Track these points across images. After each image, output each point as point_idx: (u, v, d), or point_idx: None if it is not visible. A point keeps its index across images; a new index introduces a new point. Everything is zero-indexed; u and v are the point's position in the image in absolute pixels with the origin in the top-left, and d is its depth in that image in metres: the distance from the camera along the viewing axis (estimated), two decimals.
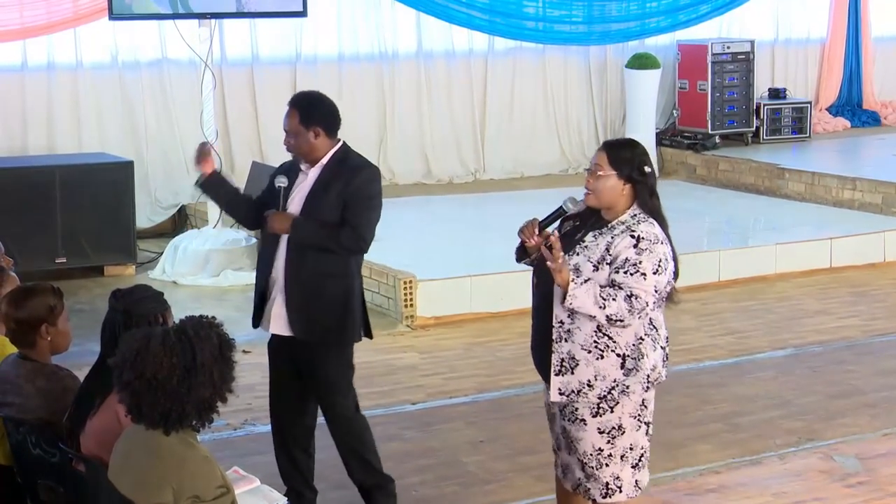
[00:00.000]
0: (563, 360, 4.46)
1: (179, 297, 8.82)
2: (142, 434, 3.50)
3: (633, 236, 4.39)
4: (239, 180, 11.25)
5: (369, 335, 5.36)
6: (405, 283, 8.48)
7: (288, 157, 5.36)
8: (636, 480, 4.59)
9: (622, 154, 4.49)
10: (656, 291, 4.38)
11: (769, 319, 8.77)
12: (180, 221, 11.33)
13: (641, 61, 12.98)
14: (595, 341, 4.42)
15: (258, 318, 5.34)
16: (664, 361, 4.55)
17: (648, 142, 13.09)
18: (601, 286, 4.37)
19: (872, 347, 8.11)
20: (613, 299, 4.33)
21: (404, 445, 6.31)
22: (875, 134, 14.41)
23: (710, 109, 13.33)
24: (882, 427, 6.62)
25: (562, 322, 4.45)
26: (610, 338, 4.42)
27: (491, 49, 12.95)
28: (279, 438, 5.41)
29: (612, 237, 4.43)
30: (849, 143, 14.00)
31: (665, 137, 13.58)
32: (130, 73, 11.23)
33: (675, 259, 4.50)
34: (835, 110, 14.92)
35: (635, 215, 4.47)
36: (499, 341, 8.10)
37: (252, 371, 7.27)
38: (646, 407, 4.55)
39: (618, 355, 4.43)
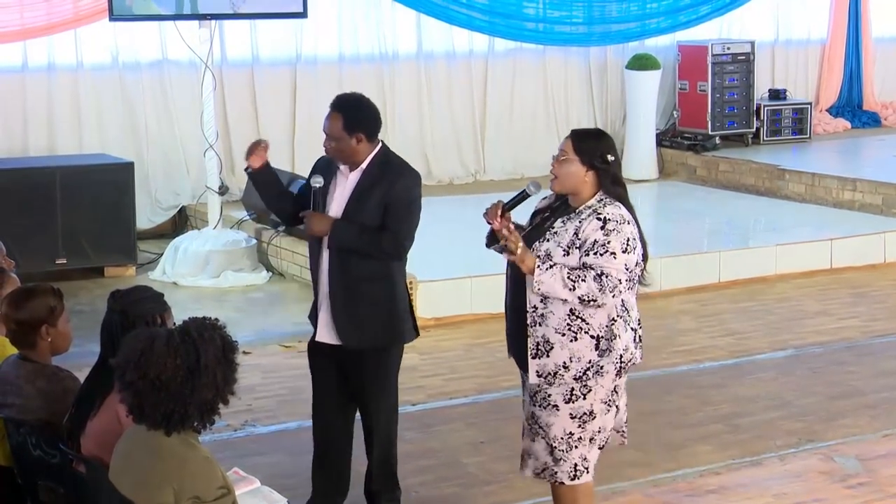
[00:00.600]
0: (538, 343, 4.58)
1: (180, 298, 8.83)
2: (143, 434, 3.50)
3: (599, 218, 4.50)
4: (239, 182, 11.30)
5: (417, 333, 5.31)
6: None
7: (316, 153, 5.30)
8: (598, 461, 4.70)
9: (587, 142, 4.63)
10: (627, 269, 4.48)
11: (769, 320, 8.77)
12: (180, 222, 11.33)
13: (642, 62, 12.98)
14: (568, 324, 4.53)
15: (315, 318, 5.23)
16: (637, 343, 4.64)
17: (649, 143, 13.11)
18: (570, 268, 4.46)
19: (873, 348, 8.12)
20: (583, 280, 4.43)
21: (404, 446, 6.30)
22: (875, 135, 14.40)
23: (710, 110, 13.33)
24: (882, 428, 6.62)
25: (535, 307, 4.57)
26: (583, 320, 4.52)
27: (491, 50, 12.95)
28: (320, 450, 5.31)
29: (580, 221, 4.54)
30: (849, 143, 14.00)
31: (665, 138, 13.58)
32: (131, 74, 11.23)
33: (643, 242, 4.61)
34: (835, 111, 14.92)
35: (602, 199, 4.59)
36: (499, 342, 8.04)
37: (252, 372, 7.28)
38: (617, 392, 4.65)
39: (591, 337, 4.53)
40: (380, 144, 5.16)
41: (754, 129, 13.68)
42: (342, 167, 5.15)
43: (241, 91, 11.71)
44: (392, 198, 5.04)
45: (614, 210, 4.54)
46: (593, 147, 4.61)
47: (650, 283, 4.73)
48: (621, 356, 4.55)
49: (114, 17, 9.69)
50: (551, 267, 4.47)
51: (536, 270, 4.47)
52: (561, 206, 4.69)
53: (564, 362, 4.55)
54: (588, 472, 4.66)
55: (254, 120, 11.80)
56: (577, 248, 4.50)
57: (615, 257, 4.45)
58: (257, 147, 5.39)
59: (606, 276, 4.43)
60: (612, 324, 4.53)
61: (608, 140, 4.70)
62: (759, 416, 6.81)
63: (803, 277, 9.81)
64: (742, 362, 7.84)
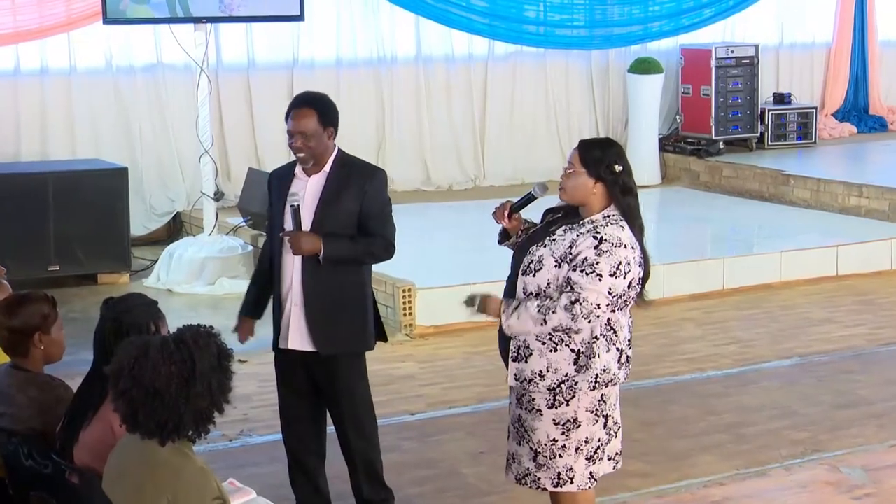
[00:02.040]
0: (519, 347, 4.61)
1: (174, 306, 8.83)
2: (137, 444, 3.50)
3: (595, 237, 4.50)
4: (235, 186, 11.31)
5: (384, 338, 5.35)
6: (404, 291, 8.48)
7: (278, 162, 5.32)
8: (590, 472, 4.68)
9: (593, 153, 4.63)
10: (612, 294, 4.45)
11: (774, 328, 8.77)
12: (175, 229, 11.33)
13: (644, 66, 13.00)
14: (550, 334, 4.54)
15: (274, 335, 5.24)
16: (623, 364, 4.63)
17: (651, 148, 13.12)
18: (540, 300, 4.47)
19: (879, 357, 8.11)
20: (553, 312, 4.45)
21: (403, 456, 6.31)
22: (882, 140, 14.41)
23: (713, 115, 13.34)
24: (889, 438, 6.61)
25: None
26: (566, 332, 4.53)
27: (491, 53, 12.96)
28: (294, 464, 5.32)
29: (577, 235, 4.54)
30: (855, 148, 14.00)
31: (668, 143, 13.59)
32: (125, 78, 11.24)
33: (646, 262, 4.61)
34: (841, 115, 14.93)
35: (608, 216, 4.57)
36: (497, 350, 8.09)
37: (248, 381, 7.28)
38: (604, 401, 4.64)
39: (572, 350, 4.54)
40: (336, 146, 5.17)
41: (758, 134, 13.69)
42: (298, 173, 5.11)
43: (236, 95, 11.73)
44: (370, 201, 5.06)
45: (614, 231, 4.52)
46: (599, 158, 4.60)
47: (650, 300, 4.73)
48: (597, 376, 4.54)
49: (107, 20, 9.69)
50: (517, 308, 4.50)
51: (502, 316, 4.52)
52: (572, 211, 4.68)
53: (541, 371, 4.57)
54: (572, 482, 4.65)
55: (250, 125, 11.81)
56: (567, 262, 4.49)
57: (600, 280, 4.44)
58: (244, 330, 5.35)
59: (580, 304, 4.42)
60: (595, 342, 4.53)
61: (616, 149, 4.68)
62: (764, 425, 6.81)
63: (809, 284, 9.81)
64: (747, 371, 7.84)
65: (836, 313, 9.13)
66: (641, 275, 4.59)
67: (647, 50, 13.49)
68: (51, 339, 4.47)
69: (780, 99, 14.03)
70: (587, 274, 4.44)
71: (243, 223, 10.44)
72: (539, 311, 4.46)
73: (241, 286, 9.55)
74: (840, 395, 7.33)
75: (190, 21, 9.82)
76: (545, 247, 4.59)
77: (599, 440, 4.67)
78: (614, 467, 4.80)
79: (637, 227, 4.62)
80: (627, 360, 4.66)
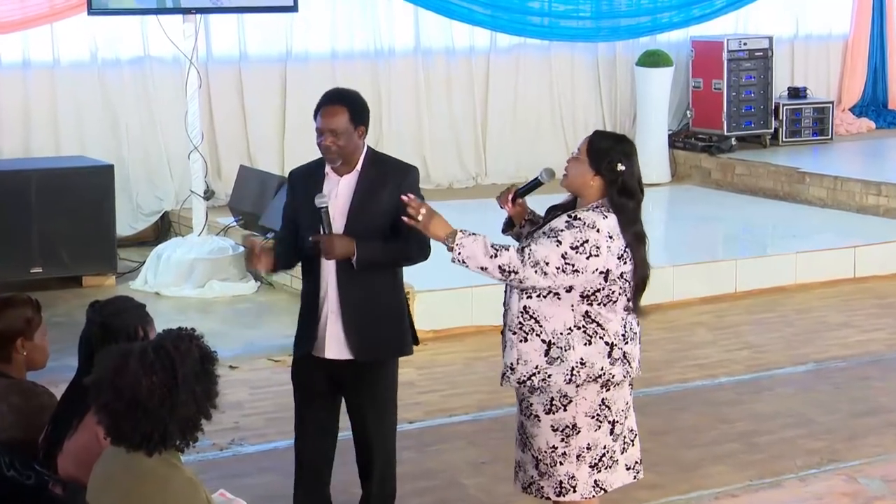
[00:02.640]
0: (504, 341, 4.68)
1: (163, 309, 8.83)
2: (122, 455, 3.49)
3: (570, 216, 4.55)
4: (225, 184, 11.31)
5: (416, 342, 5.31)
6: None
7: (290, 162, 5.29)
8: (595, 481, 4.69)
9: (601, 144, 4.66)
10: (566, 261, 4.45)
11: (789, 333, 8.77)
12: (163, 229, 11.34)
13: (653, 59, 13.01)
14: (520, 323, 4.59)
15: (304, 343, 5.16)
16: (619, 360, 4.60)
17: (660, 144, 13.12)
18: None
19: None
20: (506, 250, 4.50)
21: (401, 467, 6.28)
22: None
23: (725, 110, 13.34)
24: None
25: (505, 301, 4.67)
26: (536, 321, 4.56)
27: (493, 46, 12.97)
28: (307, 472, 5.28)
29: (558, 220, 4.59)
30: (873, 145, 14.01)
31: (678, 139, 13.60)
32: (111, 72, 11.24)
33: (638, 267, 4.59)
34: (858, 110, 14.94)
35: (598, 206, 4.59)
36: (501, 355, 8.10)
37: (240, 388, 7.28)
38: (607, 406, 4.65)
39: (543, 341, 4.57)
40: (366, 144, 5.14)
41: (772, 130, 13.70)
42: (329, 172, 5.08)
43: (227, 89, 11.73)
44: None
45: (593, 216, 4.54)
46: (605, 151, 4.62)
47: (645, 314, 4.71)
48: (573, 369, 4.55)
49: (92, 11, 9.69)
50: (474, 234, 4.54)
51: (459, 234, 4.54)
52: (572, 205, 4.72)
53: (512, 363, 4.62)
54: (575, 491, 4.66)
55: (241, 120, 11.81)
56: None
57: (558, 245, 4.47)
58: (254, 252, 5.25)
59: (531, 251, 4.47)
60: (569, 333, 4.55)
61: (625, 147, 4.68)
62: (779, 434, 6.81)
63: (825, 287, 9.82)
64: (760, 377, 7.84)
65: (854, 317, 9.13)
66: (625, 274, 4.57)
67: (656, 42, 13.50)
68: (34, 344, 4.47)
69: (795, 93, 14.04)
70: (547, 237, 4.51)
71: (234, 223, 10.44)
72: (493, 245, 4.51)
73: (232, 289, 9.64)
74: (858, 402, 7.33)
75: (179, 12, 9.82)
76: (534, 240, 4.63)
77: (605, 447, 4.68)
78: (635, 477, 4.80)
79: (631, 233, 4.59)
80: (625, 357, 4.63)
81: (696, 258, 9.94)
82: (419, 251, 5.06)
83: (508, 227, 4.95)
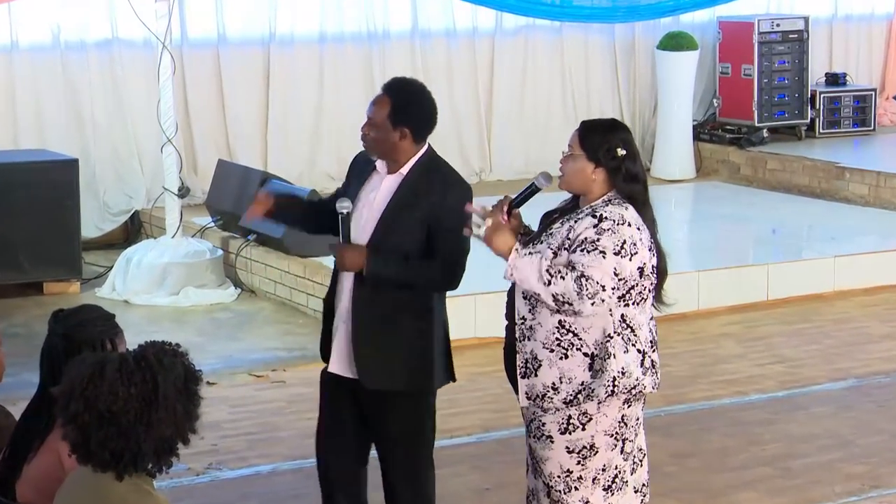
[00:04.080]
0: (527, 360, 4.66)
1: (132, 320, 8.83)
2: (89, 479, 3.50)
3: (594, 216, 4.57)
4: (202, 180, 11.31)
5: (453, 378, 5.22)
6: None
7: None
8: None
9: (594, 134, 4.70)
10: (618, 276, 4.49)
11: (827, 345, 8.78)
12: (133, 230, 11.35)
13: (676, 42, 13.01)
14: (558, 339, 4.59)
15: (326, 349, 5.16)
16: (649, 370, 4.64)
17: (684, 136, 13.13)
18: (556, 264, 4.52)
19: None
20: (562, 277, 4.49)
21: None
22: None
23: (756, 98, 13.36)
24: None
25: (524, 318, 4.66)
26: (575, 334, 4.58)
27: (499, 27, 12.98)
28: (329, 492, 5.25)
29: (575, 221, 4.61)
30: None
31: (704, 131, 13.61)
32: (75, 56, 11.25)
33: (659, 255, 4.66)
34: None
35: (609, 200, 4.64)
36: (504, 371, 8.10)
37: (218, 407, 7.28)
38: (625, 424, 4.67)
39: (585, 354, 4.59)
40: (426, 147, 5.08)
41: (808, 121, 13.71)
42: (379, 165, 5.07)
43: (204, 75, 11.74)
44: (443, 215, 4.92)
45: (615, 209, 4.59)
46: (599, 140, 4.67)
47: (671, 303, 4.77)
48: (614, 379, 4.57)
49: None
50: (531, 254, 4.54)
51: (513, 254, 4.54)
52: (573, 207, 4.75)
53: (553, 383, 4.61)
54: None
55: (220, 109, 11.82)
56: (566, 248, 4.57)
57: (604, 257, 4.49)
58: (260, 199, 5.23)
59: (587, 280, 4.47)
60: (608, 340, 4.57)
61: (620, 132, 4.74)
62: (815, 457, 6.82)
63: (867, 295, 9.82)
64: (795, 394, 7.85)
65: None
66: (654, 265, 4.63)
67: (680, 23, 13.50)
68: None
69: (834, 80, 14.04)
70: (588, 252, 4.51)
71: (212, 224, 10.45)
72: (549, 269, 4.50)
73: (210, 297, 9.65)
74: None
75: None
76: (541, 242, 4.66)
77: (617, 467, 4.70)
78: (642, 501, 4.81)
79: (649, 219, 4.66)
80: (653, 366, 4.67)
81: (724, 263, 9.94)
82: (445, 277, 4.98)
83: None
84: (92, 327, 4.13)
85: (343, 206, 4.95)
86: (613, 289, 4.51)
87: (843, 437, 7.13)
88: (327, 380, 5.19)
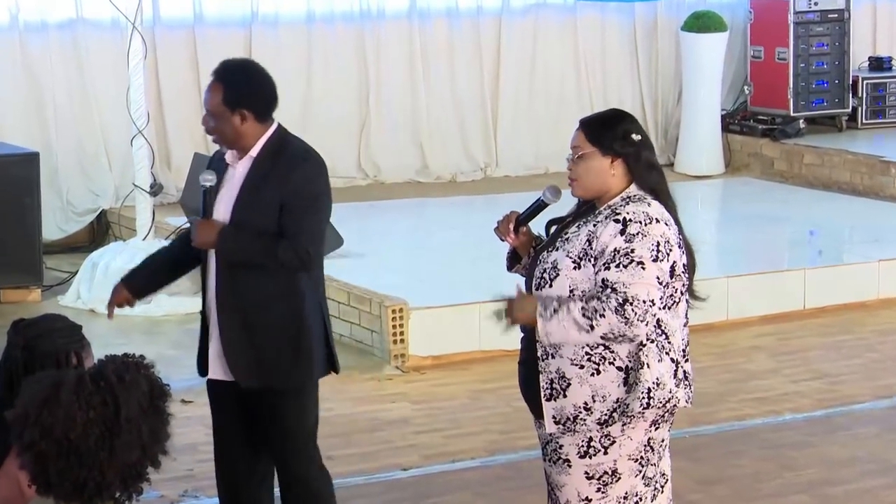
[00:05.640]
0: (552, 380, 4.65)
1: (99, 331, 8.79)
2: None
3: (617, 221, 4.57)
4: (176, 176, 11.32)
5: (335, 369, 5.46)
6: (394, 311, 8.49)
7: None
8: None
9: (601, 125, 4.73)
10: (661, 283, 4.52)
11: (869, 359, 8.78)
12: (100, 232, 11.35)
13: (702, 22, 13.02)
14: (588, 353, 4.60)
15: (202, 360, 5.45)
16: (682, 381, 4.65)
17: (712, 127, 13.14)
18: (584, 301, 4.52)
19: None
20: (602, 315, 4.49)
21: None
22: None
23: (792, 85, 13.36)
24: None
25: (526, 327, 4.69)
26: (606, 347, 4.58)
27: (506, 6, 12.99)
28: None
29: (594, 225, 4.61)
30: None
31: (734, 121, 13.61)
32: (35, 38, 11.26)
33: (688, 251, 4.68)
34: None
35: (627, 196, 4.65)
36: (515, 387, 8.07)
37: (194, 427, 7.29)
38: (651, 447, 4.67)
39: (619, 368, 4.59)
40: (275, 125, 5.33)
41: (850, 110, 13.70)
42: (228, 156, 5.34)
43: (179, 60, 11.75)
44: (288, 193, 5.20)
45: (637, 208, 4.59)
46: (610, 129, 4.69)
47: (704, 297, 4.78)
48: (649, 391, 4.57)
49: None
50: (557, 311, 4.54)
51: (539, 320, 4.56)
52: (586, 210, 4.75)
53: (586, 402, 4.61)
54: None
55: (195, 98, 11.76)
56: (590, 260, 4.56)
57: (644, 268, 4.50)
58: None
59: (632, 304, 4.47)
60: (640, 349, 4.57)
61: (626, 120, 4.78)
62: (856, 484, 6.83)
63: None
64: (834, 414, 7.86)
65: None
66: (685, 263, 4.65)
67: (707, 2, 13.52)
68: None
69: (878, 64, 14.04)
70: (625, 266, 4.50)
71: (187, 225, 10.46)
72: (584, 314, 4.50)
73: (185, 305, 9.64)
74: None
75: None
76: (557, 249, 4.66)
77: (638, 494, 4.70)
78: None
79: (673, 210, 4.69)
80: (686, 378, 4.67)
81: (756, 268, 9.95)
82: (292, 256, 5.17)
83: (514, 261, 4.96)
84: (56, 338, 4.15)
85: (207, 178, 5.27)
86: (661, 298, 4.53)
87: (888, 461, 7.14)
88: (212, 388, 5.43)
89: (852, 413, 7.87)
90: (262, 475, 5.48)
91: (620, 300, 4.47)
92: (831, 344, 9.08)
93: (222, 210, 5.27)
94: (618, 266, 4.51)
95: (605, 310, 4.48)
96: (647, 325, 4.50)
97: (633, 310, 4.47)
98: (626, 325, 4.47)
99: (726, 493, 6.71)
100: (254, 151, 5.27)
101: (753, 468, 7.02)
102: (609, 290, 4.50)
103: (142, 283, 5.67)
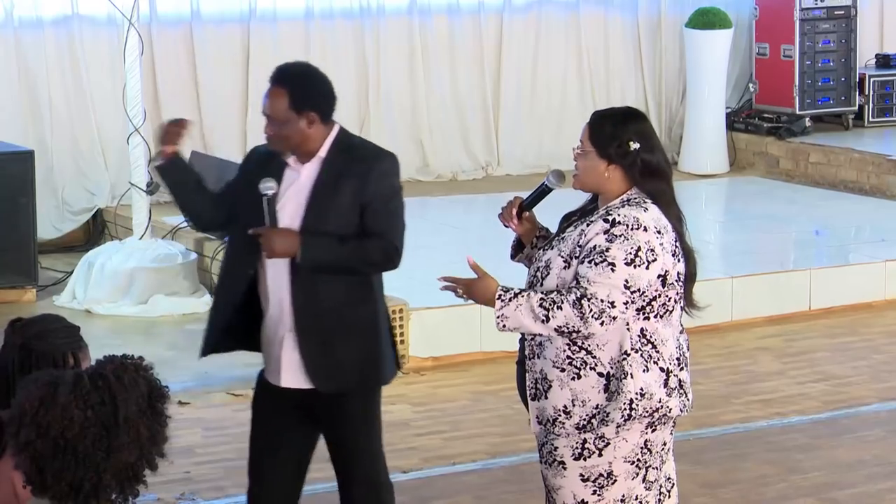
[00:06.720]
0: (536, 381, 4.71)
1: (95, 332, 8.83)
2: None
3: (606, 220, 4.60)
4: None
5: (398, 365, 5.47)
6: (394, 312, 8.49)
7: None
8: None
9: (603, 127, 4.72)
10: (629, 288, 4.53)
11: (876, 361, 8.79)
12: (95, 231, 11.35)
13: (707, 19, 13.02)
14: (569, 356, 4.63)
15: (211, 346, 5.39)
16: (675, 390, 4.66)
17: (716, 126, 13.13)
18: (543, 294, 4.56)
19: None
20: (559, 307, 4.52)
21: None
22: None
23: (797, 83, 13.35)
24: None
25: (533, 335, 4.68)
26: (588, 352, 4.61)
27: (507, 3, 12.98)
28: None
29: (587, 225, 4.65)
30: None
31: (738, 120, 13.61)
32: (30, 35, 11.25)
33: (688, 259, 4.69)
34: None
35: (627, 200, 4.66)
36: (516, 389, 8.10)
37: (191, 429, 7.30)
38: (649, 450, 4.69)
39: (599, 374, 4.61)
40: (337, 125, 5.27)
41: (856, 108, 13.70)
42: (290, 161, 5.23)
43: (176, 57, 11.75)
44: (370, 192, 5.15)
45: (630, 212, 4.60)
46: (611, 132, 4.69)
47: (703, 306, 4.79)
48: (631, 402, 4.58)
49: None
50: (517, 296, 4.57)
51: (497, 303, 4.59)
52: (592, 209, 4.78)
53: (565, 406, 4.64)
54: None
55: (193, 95, 11.82)
56: (575, 257, 4.61)
57: (613, 270, 4.52)
58: (173, 130, 5.42)
59: (589, 300, 4.50)
60: (625, 358, 4.59)
61: (633, 122, 4.76)
62: (863, 487, 6.83)
63: None
64: (840, 417, 7.86)
65: None
66: (680, 275, 4.65)
67: None
68: None
69: (885, 62, 14.04)
70: (596, 264, 4.54)
71: (184, 224, 10.45)
72: (542, 304, 4.54)
73: (183, 306, 9.65)
74: None
75: None
76: (552, 248, 4.70)
77: (638, 498, 4.71)
78: None
79: (674, 218, 4.70)
80: (681, 386, 4.69)
81: (761, 268, 9.95)
82: (384, 255, 5.18)
83: (518, 249, 5.00)
84: (53, 339, 4.15)
85: (267, 185, 5.13)
86: (626, 303, 4.53)
87: (895, 464, 7.14)
88: (265, 395, 5.35)
89: (859, 415, 7.88)
90: (298, 492, 5.44)
91: (579, 295, 4.52)
92: (837, 345, 9.09)
93: (288, 216, 5.17)
94: (590, 262, 4.55)
95: (563, 302, 4.52)
96: (603, 325, 4.52)
97: (589, 306, 4.50)
98: (581, 320, 4.50)
99: (731, 496, 6.71)
100: (321, 153, 5.20)
101: (759, 471, 7.03)
102: (575, 281, 4.56)
103: (185, 164, 5.65)
